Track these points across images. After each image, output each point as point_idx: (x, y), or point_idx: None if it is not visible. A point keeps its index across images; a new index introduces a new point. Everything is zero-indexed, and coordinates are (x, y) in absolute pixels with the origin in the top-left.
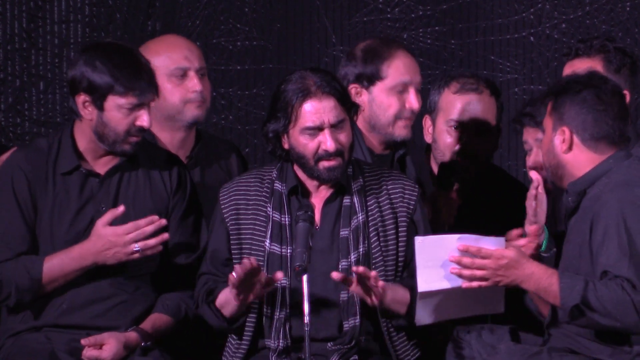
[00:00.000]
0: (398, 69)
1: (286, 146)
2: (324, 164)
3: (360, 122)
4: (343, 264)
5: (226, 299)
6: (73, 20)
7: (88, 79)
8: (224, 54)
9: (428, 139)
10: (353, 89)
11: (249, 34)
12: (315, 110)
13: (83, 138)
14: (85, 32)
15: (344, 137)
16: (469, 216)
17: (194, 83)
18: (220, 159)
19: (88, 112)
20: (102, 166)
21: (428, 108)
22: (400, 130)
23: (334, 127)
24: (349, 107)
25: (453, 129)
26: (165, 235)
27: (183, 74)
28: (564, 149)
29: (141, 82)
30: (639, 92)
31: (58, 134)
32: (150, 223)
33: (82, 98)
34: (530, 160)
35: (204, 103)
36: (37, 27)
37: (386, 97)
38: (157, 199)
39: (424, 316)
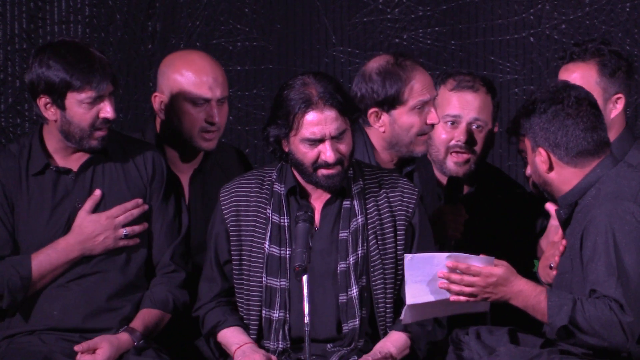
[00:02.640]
0: (418, 90)
1: (286, 149)
2: (322, 172)
3: (376, 140)
4: (342, 265)
5: (227, 343)
6: (73, 21)
7: (44, 80)
8: (224, 55)
9: None
10: (373, 113)
11: (249, 34)
12: (317, 121)
13: (51, 139)
14: (85, 32)
15: (344, 147)
16: (476, 230)
17: (212, 115)
18: (226, 169)
19: (51, 112)
20: (73, 163)
21: None
22: (421, 147)
23: (335, 138)
24: (351, 115)
25: (449, 125)
26: (146, 225)
27: (203, 103)
28: (545, 169)
29: (96, 75)
30: (638, 93)
31: (28, 138)
32: (137, 206)
33: (42, 100)
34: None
35: (217, 132)
36: (37, 28)
37: (408, 117)
38: (134, 189)
39: (410, 316)
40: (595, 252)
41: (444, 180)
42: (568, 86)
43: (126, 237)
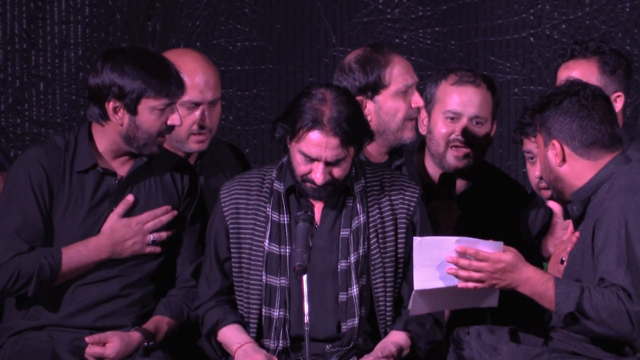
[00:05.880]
0: (399, 72)
1: (288, 146)
2: (310, 184)
3: None
4: (342, 264)
5: (228, 342)
6: (73, 21)
7: (119, 85)
8: (224, 55)
9: (423, 130)
10: (358, 102)
11: (249, 34)
12: (317, 143)
13: (103, 139)
14: (85, 32)
15: (337, 171)
16: (467, 220)
17: (202, 118)
18: (224, 167)
19: (119, 117)
20: (117, 166)
21: (424, 100)
22: (409, 133)
23: (330, 164)
24: (355, 145)
25: (449, 119)
26: (174, 231)
27: (193, 106)
28: (558, 162)
29: (171, 81)
30: (637, 93)
31: (73, 133)
32: (166, 213)
33: (112, 104)
34: (538, 169)
35: (209, 134)
36: (37, 28)
37: (393, 102)
38: (169, 202)
39: (418, 307)
40: (607, 242)
41: (436, 175)
42: (583, 82)
43: (154, 243)
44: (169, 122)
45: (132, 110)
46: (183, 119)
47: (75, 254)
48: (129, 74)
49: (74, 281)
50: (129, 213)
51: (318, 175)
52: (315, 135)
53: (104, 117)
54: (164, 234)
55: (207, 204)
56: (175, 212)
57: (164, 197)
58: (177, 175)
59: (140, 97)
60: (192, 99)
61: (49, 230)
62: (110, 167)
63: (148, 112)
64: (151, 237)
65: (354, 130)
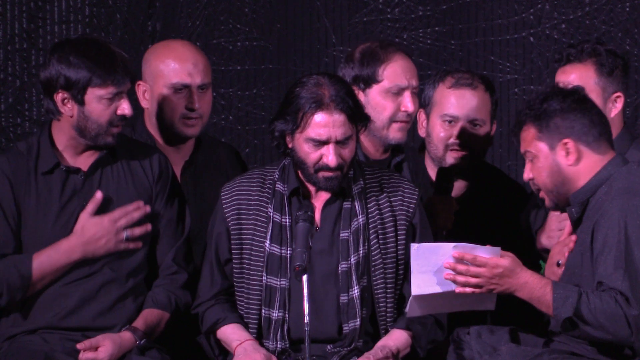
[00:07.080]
0: (394, 72)
1: (290, 145)
2: (323, 174)
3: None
4: (343, 266)
5: (228, 339)
6: (73, 21)
7: (65, 75)
8: (224, 55)
9: (422, 132)
10: None
11: (249, 34)
12: (324, 123)
13: (62, 136)
14: (85, 32)
15: (347, 152)
16: (467, 221)
17: (191, 101)
18: (219, 164)
19: (68, 108)
20: (82, 162)
21: (422, 102)
22: (395, 133)
23: (340, 142)
24: (359, 122)
25: (447, 123)
26: (149, 226)
27: (183, 89)
28: (572, 161)
29: (117, 70)
30: (637, 93)
31: (36, 136)
32: (137, 209)
33: (60, 96)
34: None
35: (200, 119)
36: (37, 28)
37: (382, 99)
38: (141, 189)
39: (415, 310)
40: (606, 245)
41: (434, 173)
42: (572, 87)
43: (127, 239)
44: (118, 112)
45: (80, 101)
46: (174, 102)
47: (46, 258)
48: (74, 64)
49: (58, 280)
50: (103, 207)
51: (331, 157)
52: (320, 117)
53: (57, 110)
54: (137, 230)
55: (200, 200)
56: (147, 208)
57: (135, 185)
58: (145, 161)
59: (87, 86)
60: (180, 81)
61: (18, 237)
62: (73, 165)
63: (95, 102)
64: (124, 234)
65: (355, 105)
